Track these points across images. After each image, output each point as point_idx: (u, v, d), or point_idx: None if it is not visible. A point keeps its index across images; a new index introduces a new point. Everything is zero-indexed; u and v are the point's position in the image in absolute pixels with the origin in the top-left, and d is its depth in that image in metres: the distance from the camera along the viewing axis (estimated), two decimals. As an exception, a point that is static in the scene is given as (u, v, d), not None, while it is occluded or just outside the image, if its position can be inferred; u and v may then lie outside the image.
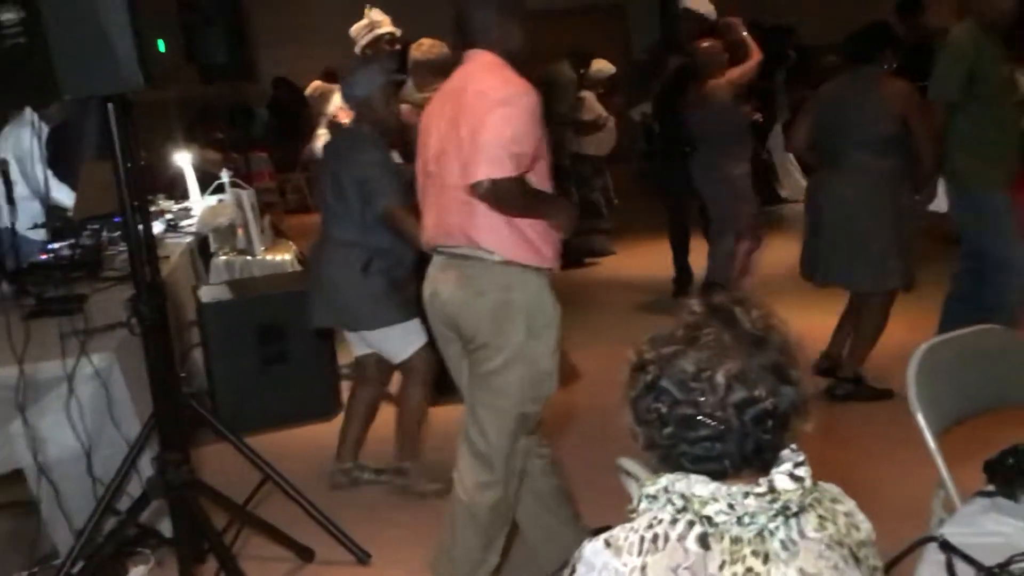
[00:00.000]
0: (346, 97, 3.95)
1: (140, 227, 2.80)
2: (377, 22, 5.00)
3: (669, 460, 1.39)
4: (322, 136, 5.00)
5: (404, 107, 4.61)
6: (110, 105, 2.64)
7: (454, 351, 2.98)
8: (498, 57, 2.82)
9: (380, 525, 3.69)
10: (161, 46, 2.73)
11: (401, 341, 3.82)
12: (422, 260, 3.65)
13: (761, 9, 10.27)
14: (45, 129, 5.40)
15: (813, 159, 4.74)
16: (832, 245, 4.41)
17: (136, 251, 2.77)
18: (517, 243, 2.75)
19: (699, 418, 1.33)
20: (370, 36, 4.93)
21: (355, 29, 5.02)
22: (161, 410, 2.91)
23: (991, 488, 1.82)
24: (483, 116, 2.67)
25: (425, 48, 4.76)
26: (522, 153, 2.68)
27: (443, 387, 3.94)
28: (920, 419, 2.36)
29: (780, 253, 6.80)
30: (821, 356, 4.61)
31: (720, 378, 1.32)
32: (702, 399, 1.33)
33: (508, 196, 2.67)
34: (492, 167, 2.63)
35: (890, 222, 4.33)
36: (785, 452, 1.38)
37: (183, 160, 6.62)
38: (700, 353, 1.34)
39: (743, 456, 1.34)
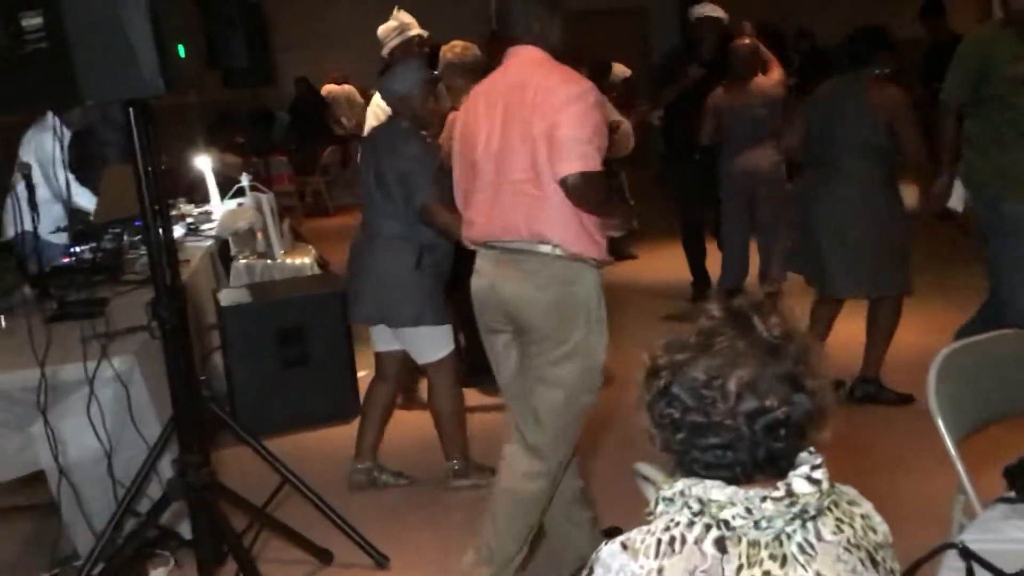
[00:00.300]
0: (385, 92, 4.00)
1: (160, 231, 2.81)
2: (407, 24, 4.97)
3: (683, 464, 1.39)
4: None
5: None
6: (131, 110, 2.66)
7: (502, 343, 3.00)
8: (544, 52, 2.87)
9: (399, 528, 3.69)
10: (182, 51, 2.73)
11: (437, 342, 3.84)
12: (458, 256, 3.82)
13: (778, 11, 10.25)
14: (67, 133, 5.45)
15: (805, 161, 4.68)
16: (827, 254, 4.38)
17: (156, 255, 2.79)
18: (582, 238, 2.81)
19: (709, 426, 1.33)
20: (400, 39, 4.90)
21: (383, 31, 4.98)
22: (181, 413, 2.92)
23: (1012, 494, 1.81)
24: (558, 112, 2.72)
25: (459, 50, 4.76)
26: (601, 147, 2.76)
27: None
28: (940, 424, 2.35)
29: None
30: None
31: (731, 386, 1.32)
32: (713, 407, 1.32)
33: (595, 190, 2.75)
34: (583, 161, 2.70)
35: (883, 227, 4.31)
36: (802, 455, 1.38)
37: (204, 164, 6.66)
38: (712, 360, 1.34)
39: (755, 464, 1.34)
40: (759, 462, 1.34)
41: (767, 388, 1.32)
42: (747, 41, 5.86)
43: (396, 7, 5.14)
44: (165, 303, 2.79)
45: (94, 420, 3.20)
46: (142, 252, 4.47)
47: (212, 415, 3.36)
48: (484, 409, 4.67)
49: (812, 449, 1.38)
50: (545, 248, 2.80)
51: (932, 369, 2.39)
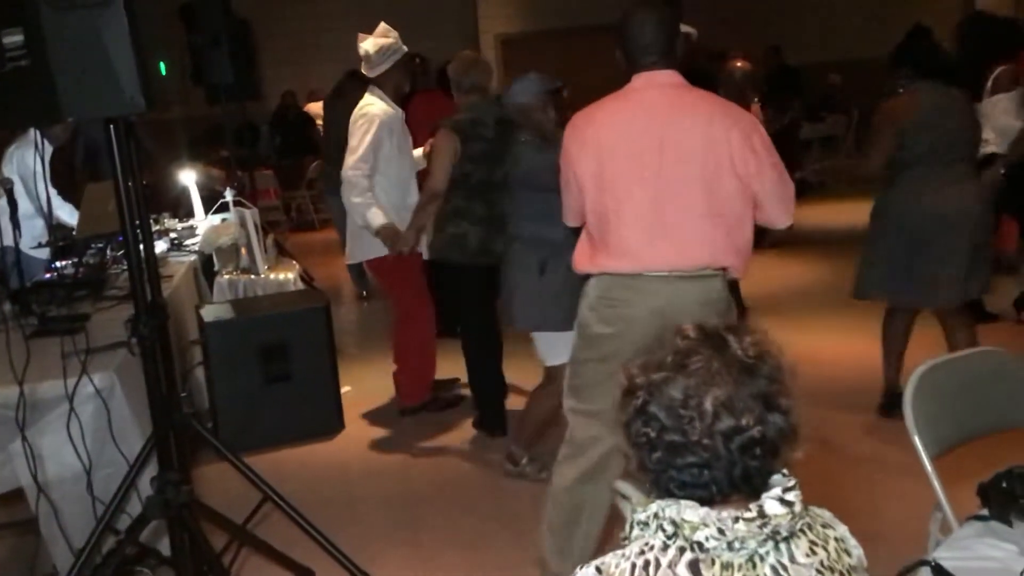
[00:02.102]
0: (507, 104, 4.09)
1: (141, 248, 2.81)
2: (399, 41, 4.81)
3: (659, 484, 1.39)
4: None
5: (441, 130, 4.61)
6: (112, 127, 2.65)
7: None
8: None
9: (382, 545, 3.68)
10: (163, 69, 2.73)
11: (556, 348, 3.81)
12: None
13: (756, 29, 10.34)
14: (49, 149, 5.44)
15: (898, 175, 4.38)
16: (951, 261, 4.23)
17: (136, 272, 2.78)
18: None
19: (687, 445, 1.34)
20: (397, 57, 4.75)
21: (377, 49, 4.74)
22: (160, 430, 2.91)
23: (984, 512, 1.82)
24: (766, 156, 2.79)
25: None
26: None
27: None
28: (917, 441, 2.37)
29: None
30: None
31: (708, 406, 1.33)
32: (690, 426, 1.33)
33: None
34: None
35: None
36: (776, 477, 1.38)
37: (187, 179, 6.66)
38: (689, 380, 1.35)
39: (731, 483, 1.35)
40: (735, 481, 1.35)
41: (743, 407, 1.33)
42: (741, 64, 5.86)
43: (381, 22, 5.05)
44: (145, 320, 2.78)
45: (74, 437, 3.18)
46: (124, 268, 4.46)
47: (193, 432, 3.35)
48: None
49: (785, 471, 1.40)
50: (719, 273, 2.88)
51: (909, 386, 2.41)
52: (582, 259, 2.98)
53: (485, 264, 4.46)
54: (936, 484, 2.35)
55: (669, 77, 2.88)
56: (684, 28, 6.10)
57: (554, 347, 3.82)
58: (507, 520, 3.75)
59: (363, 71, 4.87)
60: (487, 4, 13.15)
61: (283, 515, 3.42)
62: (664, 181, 2.78)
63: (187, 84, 7.04)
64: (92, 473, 3.21)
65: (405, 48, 4.82)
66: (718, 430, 1.33)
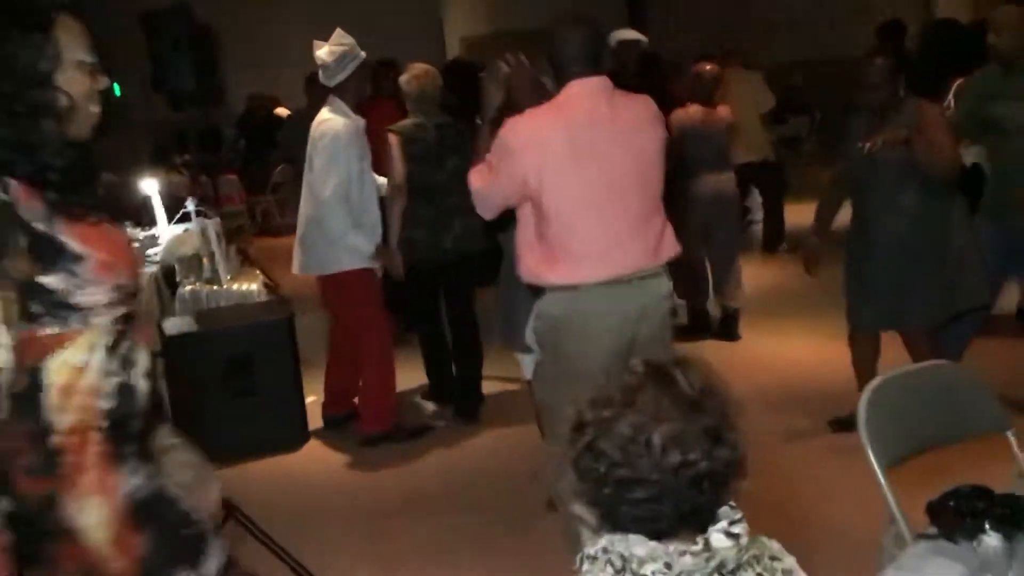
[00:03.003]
0: None
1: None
2: (356, 46, 4.69)
3: (609, 519, 1.41)
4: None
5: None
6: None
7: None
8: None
9: (347, 560, 3.68)
10: (117, 90, 2.71)
11: None
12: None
13: (720, 32, 10.40)
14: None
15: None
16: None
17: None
18: None
19: (637, 480, 1.36)
20: (356, 63, 4.66)
21: (333, 56, 4.61)
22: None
23: (933, 531, 1.85)
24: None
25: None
26: None
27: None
28: (870, 454, 2.40)
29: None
30: None
31: (656, 441, 1.35)
32: (639, 461, 1.35)
33: None
34: None
35: None
36: (723, 510, 1.41)
37: (150, 187, 6.59)
38: (637, 416, 1.37)
39: (680, 516, 1.37)
40: (684, 514, 1.37)
41: (691, 442, 1.36)
42: (710, 67, 5.89)
43: (337, 28, 4.98)
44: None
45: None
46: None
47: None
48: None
49: (732, 504, 1.42)
50: (662, 268, 3.05)
51: (862, 400, 2.45)
52: (539, 268, 2.98)
53: (433, 266, 4.68)
54: (890, 497, 2.38)
55: (601, 83, 2.98)
56: (634, 35, 6.19)
57: None
58: (473, 532, 3.76)
59: (320, 80, 4.75)
60: (452, 6, 13.14)
61: (247, 532, 3.42)
62: (612, 183, 2.89)
63: (148, 90, 7.01)
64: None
65: (363, 54, 4.70)
66: (667, 465, 1.35)
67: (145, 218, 6.69)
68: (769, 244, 8.28)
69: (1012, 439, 2.54)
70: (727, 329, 5.98)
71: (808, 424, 4.48)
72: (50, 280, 1.68)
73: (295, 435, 4.81)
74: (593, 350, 2.80)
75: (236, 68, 10.50)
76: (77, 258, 1.69)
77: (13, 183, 1.66)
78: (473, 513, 3.91)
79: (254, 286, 5.42)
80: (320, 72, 4.70)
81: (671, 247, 3.03)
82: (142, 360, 1.81)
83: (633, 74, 6.09)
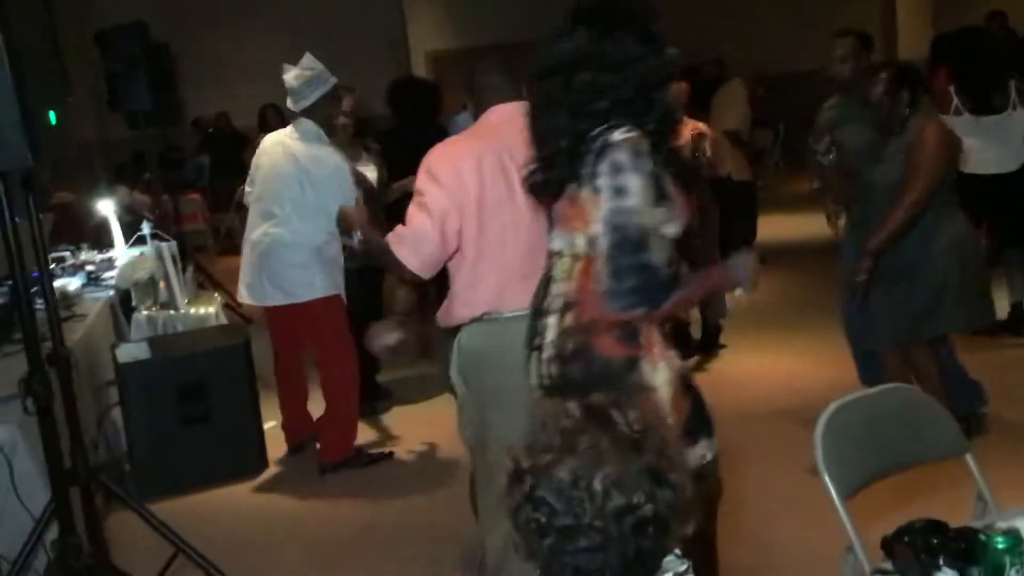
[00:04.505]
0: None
1: (31, 304, 2.70)
2: (326, 71, 4.60)
3: (551, 571, 1.35)
4: None
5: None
6: (1, 180, 2.55)
7: None
8: None
9: (302, 592, 3.61)
10: (53, 119, 2.63)
11: None
12: None
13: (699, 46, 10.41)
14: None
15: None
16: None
17: (29, 328, 2.67)
18: None
19: (579, 528, 1.30)
20: (325, 88, 4.57)
21: (302, 80, 4.54)
22: (59, 492, 2.80)
23: (887, 566, 1.82)
24: None
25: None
26: None
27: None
28: (827, 480, 2.36)
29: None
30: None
31: (598, 485, 1.29)
32: (580, 508, 1.29)
33: None
34: None
35: None
36: (669, 559, 1.35)
37: (107, 208, 6.48)
38: (577, 461, 1.31)
39: (625, 565, 1.31)
40: (629, 563, 1.31)
41: (633, 484, 1.30)
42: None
43: (307, 53, 4.87)
44: (39, 378, 2.67)
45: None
46: (37, 307, 4.30)
47: (100, 485, 3.24)
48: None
49: (679, 552, 1.37)
50: None
51: (819, 425, 2.41)
52: (452, 307, 2.87)
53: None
54: (847, 524, 2.33)
55: (520, 107, 2.78)
56: None
57: None
58: (427, 564, 3.68)
59: (288, 105, 4.66)
60: (417, 21, 13.11)
61: (197, 566, 3.34)
62: (530, 214, 2.71)
63: (103, 109, 6.91)
64: (-5, 530, 3.11)
65: (333, 79, 4.61)
66: (609, 510, 1.29)
67: (106, 238, 6.57)
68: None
69: (971, 463, 2.51)
70: (708, 343, 5.95)
71: (790, 440, 4.44)
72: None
73: (252, 462, 4.71)
74: (512, 381, 2.64)
75: (195, 86, 10.38)
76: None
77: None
78: (429, 545, 3.82)
79: (212, 309, 5.34)
80: (288, 97, 4.62)
81: None
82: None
83: None
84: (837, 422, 2.43)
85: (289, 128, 4.70)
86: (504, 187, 2.78)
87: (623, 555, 1.30)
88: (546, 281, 2.38)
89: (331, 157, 4.56)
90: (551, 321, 2.33)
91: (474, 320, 2.82)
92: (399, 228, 2.84)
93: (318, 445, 4.77)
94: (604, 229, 2.19)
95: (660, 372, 2.28)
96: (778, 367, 5.60)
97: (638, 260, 2.17)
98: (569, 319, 2.29)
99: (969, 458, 2.51)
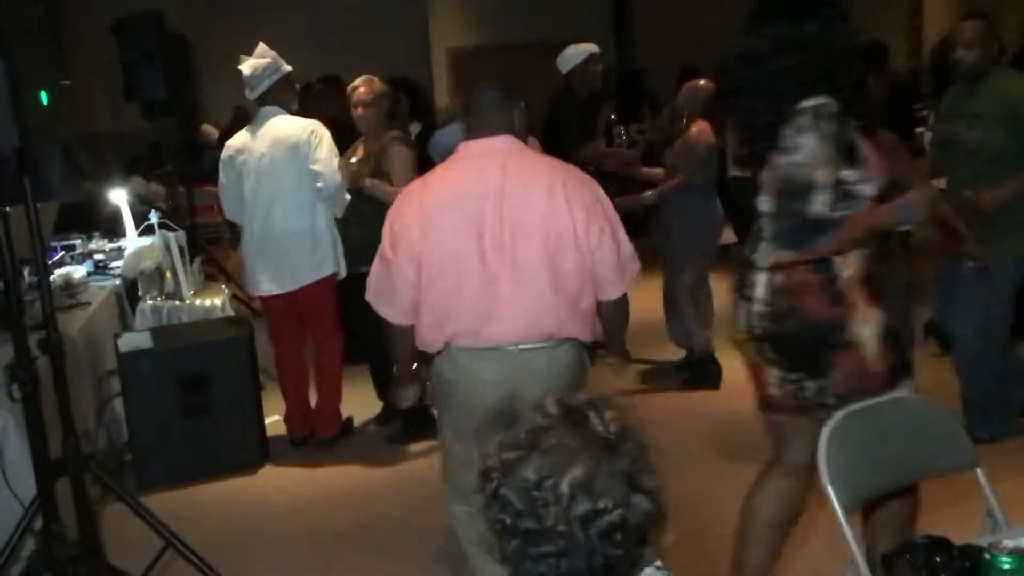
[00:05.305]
0: (435, 154, 4.10)
1: (19, 288, 2.65)
2: (278, 60, 4.74)
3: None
4: None
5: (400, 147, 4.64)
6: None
7: None
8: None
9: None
10: (44, 99, 2.57)
11: None
12: None
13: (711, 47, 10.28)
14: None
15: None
16: None
17: (15, 314, 2.62)
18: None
19: (542, 532, 1.22)
20: (278, 76, 4.70)
21: (253, 69, 4.69)
22: (42, 481, 2.75)
23: (888, 584, 1.74)
24: (608, 229, 2.76)
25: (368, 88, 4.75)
26: None
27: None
28: (831, 493, 2.27)
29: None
30: None
31: (564, 487, 1.21)
32: (544, 510, 1.22)
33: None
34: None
35: None
36: (647, 570, 1.28)
37: (119, 198, 6.44)
38: (543, 459, 1.24)
39: (591, 574, 1.23)
40: (595, 571, 1.24)
41: (602, 488, 1.22)
42: (704, 83, 5.61)
43: (260, 43, 4.93)
44: (25, 363, 2.62)
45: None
46: (36, 296, 4.27)
47: (92, 475, 3.19)
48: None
49: (659, 564, 1.29)
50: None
51: (824, 435, 2.32)
52: (422, 338, 2.82)
53: None
54: (850, 539, 2.26)
55: (504, 143, 2.76)
56: (586, 47, 5.93)
57: None
58: (425, 562, 3.61)
59: (246, 94, 4.83)
60: (438, 19, 13.04)
61: (188, 562, 3.28)
62: (503, 256, 2.67)
63: (119, 99, 6.87)
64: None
65: (286, 68, 4.75)
66: (575, 515, 1.21)
67: (120, 228, 6.53)
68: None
69: (982, 477, 2.42)
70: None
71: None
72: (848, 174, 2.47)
73: (252, 456, 4.66)
74: (473, 412, 2.59)
75: (215, 79, 10.34)
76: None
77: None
78: (426, 542, 3.74)
79: (218, 301, 5.28)
80: (245, 87, 4.77)
81: (571, 327, 2.76)
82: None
83: (600, 94, 5.89)
84: (844, 432, 2.34)
85: (252, 124, 4.83)
86: (470, 228, 2.69)
87: (589, 563, 1.23)
88: (757, 237, 2.64)
89: (291, 126, 4.65)
90: (761, 278, 2.61)
91: (449, 347, 2.77)
92: (370, 290, 2.91)
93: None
94: (777, 180, 2.51)
95: (867, 328, 2.55)
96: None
97: (795, 208, 2.45)
98: (780, 278, 2.58)
99: (980, 473, 2.41)
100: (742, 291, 2.67)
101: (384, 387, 5.01)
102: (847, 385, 2.57)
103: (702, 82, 5.63)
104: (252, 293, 4.97)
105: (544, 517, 1.22)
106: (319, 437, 4.86)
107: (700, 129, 5.38)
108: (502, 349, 2.70)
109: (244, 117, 12.41)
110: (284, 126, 4.66)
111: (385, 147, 4.73)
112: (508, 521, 1.25)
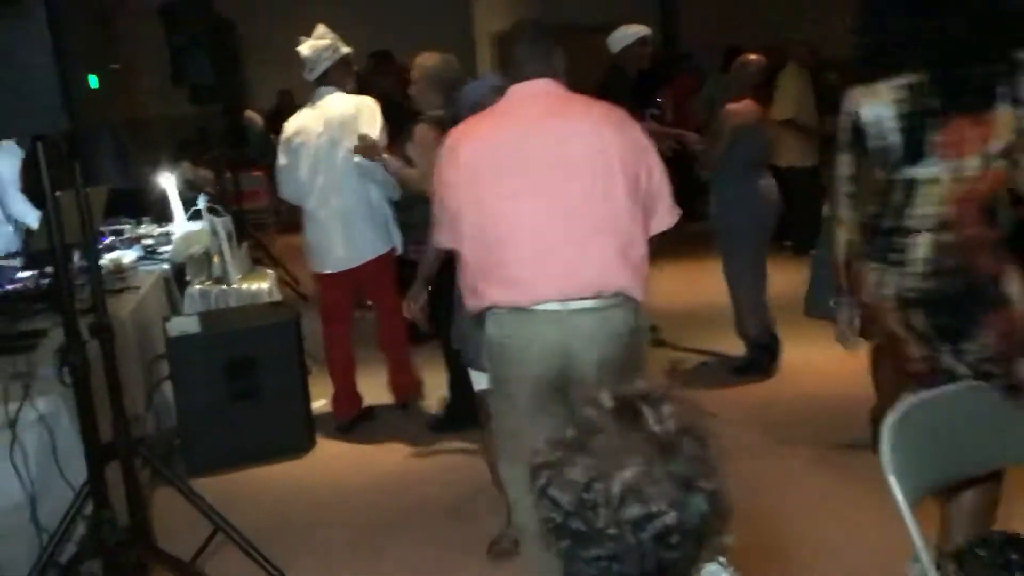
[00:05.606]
0: (462, 107, 3.90)
1: (68, 272, 2.65)
2: (338, 42, 4.81)
3: (572, 574, 1.22)
4: None
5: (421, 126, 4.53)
6: (39, 144, 2.49)
7: None
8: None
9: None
10: (94, 82, 2.56)
11: None
12: None
13: (760, 29, 10.13)
14: (20, 153, 5.30)
15: None
16: None
17: (67, 297, 2.62)
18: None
19: (591, 535, 1.17)
20: (336, 57, 4.76)
21: (313, 50, 4.78)
22: (93, 465, 2.75)
23: (961, 582, 1.67)
24: (652, 154, 2.75)
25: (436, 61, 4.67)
26: None
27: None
28: (894, 484, 2.19)
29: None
30: None
31: (615, 489, 1.15)
32: (594, 513, 1.16)
33: None
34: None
35: None
36: (712, 567, 1.22)
37: (167, 182, 6.48)
38: (592, 459, 1.18)
39: None
40: (649, 574, 1.18)
41: (655, 491, 1.16)
42: (755, 57, 5.52)
43: (319, 24, 4.96)
44: (75, 348, 2.61)
45: (17, 464, 3.03)
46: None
47: (143, 459, 3.20)
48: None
49: (722, 560, 1.23)
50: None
51: (886, 426, 2.24)
52: (469, 294, 2.76)
53: None
54: (915, 533, 2.17)
55: (545, 86, 2.72)
56: (637, 29, 5.86)
57: None
58: (471, 550, 3.58)
59: (304, 76, 4.85)
60: (481, 3, 12.98)
61: (237, 546, 3.28)
62: (550, 197, 2.60)
63: (167, 84, 6.90)
64: (36, 503, 3.07)
65: (346, 49, 4.82)
66: (626, 518, 1.15)
67: (170, 212, 6.56)
68: (802, 247, 8.02)
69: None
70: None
71: (837, 437, 4.28)
72: None
73: (300, 440, 4.66)
74: (521, 377, 2.60)
75: (262, 64, 10.38)
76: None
77: None
78: (473, 530, 3.71)
79: (264, 285, 5.29)
80: (304, 69, 4.82)
81: (621, 276, 2.65)
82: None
83: (649, 73, 5.84)
84: (909, 420, 2.26)
85: (310, 104, 4.86)
86: (500, 173, 2.64)
87: (642, 567, 1.17)
88: (900, 206, 2.56)
89: (345, 103, 4.73)
90: (921, 239, 2.55)
91: (495, 307, 2.70)
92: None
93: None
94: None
95: (1015, 285, 2.59)
96: (824, 362, 5.36)
97: None
98: (947, 237, 2.53)
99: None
100: (888, 257, 2.60)
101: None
102: (999, 347, 2.57)
103: (753, 56, 5.53)
104: (315, 272, 4.95)
105: (594, 520, 1.16)
106: (398, 400, 5.11)
107: (739, 107, 5.27)
108: (550, 311, 2.61)
109: (290, 101, 12.51)
110: (339, 104, 4.74)
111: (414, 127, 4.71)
112: (559, 520, 1.20)
